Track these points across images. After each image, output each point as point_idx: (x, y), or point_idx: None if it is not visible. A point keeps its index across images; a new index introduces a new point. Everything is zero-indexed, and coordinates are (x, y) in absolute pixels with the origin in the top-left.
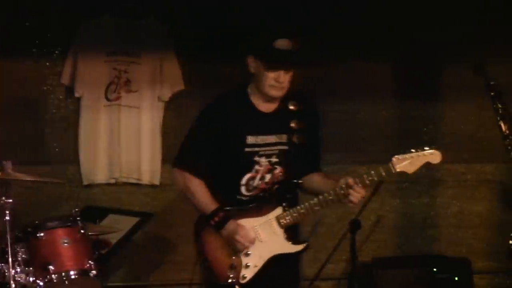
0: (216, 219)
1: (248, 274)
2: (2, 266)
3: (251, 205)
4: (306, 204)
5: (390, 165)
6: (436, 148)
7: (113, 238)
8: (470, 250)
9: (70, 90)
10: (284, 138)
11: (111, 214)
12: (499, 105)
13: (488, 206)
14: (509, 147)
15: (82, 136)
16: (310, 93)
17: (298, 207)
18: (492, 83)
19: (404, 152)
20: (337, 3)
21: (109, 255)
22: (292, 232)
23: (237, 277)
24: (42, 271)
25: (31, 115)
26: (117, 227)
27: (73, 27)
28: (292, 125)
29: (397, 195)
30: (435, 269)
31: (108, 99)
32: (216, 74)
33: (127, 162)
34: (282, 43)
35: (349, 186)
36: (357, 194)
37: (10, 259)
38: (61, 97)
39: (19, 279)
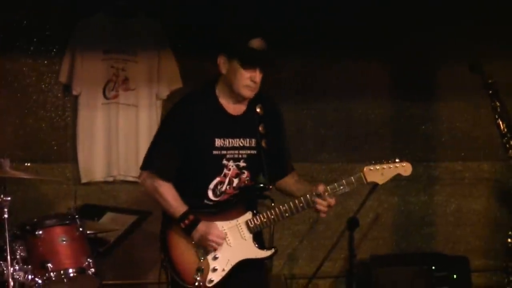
0: (186, 221)
1: (215, 277)
2: (0, 264)
3: (220, 208)
4: (277, 210)
5: (362, 175)
6: (407, 161)
7: (111, 236)
8: (468, 248)
9: (68, 88)
10: (253, 142)
11: (109, 212)
12: (497, 104)
13: (486, 204)
14: (507, 145)
15: (80, 134)
16: (274, 95)
17: (268, 213)
18: (490, 81)
19: (376, 163)
20: (330, 3)
21: (107, 253)
22: (260, 237)
23: (203, 280)
24: (40, 269)
25: (29, 113)
26: (115, 225)
27: (71, 25)
28: (260, 129)
29: (395, 193)
30: (433, 267)
31: (106, 97)
32: (214, 72)
33: (125, 160)
34: (257, 43)
35: (318, 195)
36: (324, 203)
37: (8, 257)
38: (59, 95)
39: (17, 277)
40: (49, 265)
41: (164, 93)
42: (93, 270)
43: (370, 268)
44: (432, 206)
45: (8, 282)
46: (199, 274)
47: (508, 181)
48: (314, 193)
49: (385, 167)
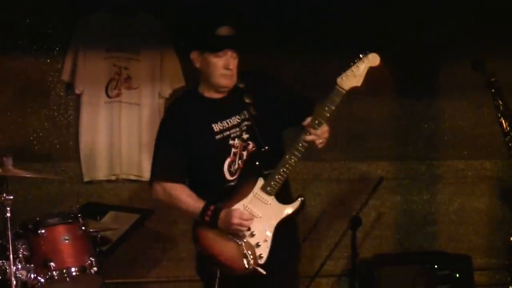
0: (209, 213)
1: (263, 252)
2: (3, 262)
3: (233, 192)
4: (283, 162)
5: (338, 87)
6: (371, 52)
7: (114, 235)
8: (470, 246)
9: (70, 87)
10: (246, 114)
11: (111, 211)
12: (500, 102)
13: (489, 202)
14: (510, 144)
15: (83, 132)
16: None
17: (277, 169)
18: (492, 79)
19: (344, 70)
20: (330, 3)
21: (110, 251)
22: (282, 195)
23: (255, 260)
24: (43, 268)
25: (32, 112)
26: (117, 224)
27: (72, 24)
28: (246, 100)
29: (398, 192)
30: (435, 266)
31: (108, 96)
32: None
33: (128, 159)
34: (223, 30)
35: (311, 126)
36: (317, 133)
37: (11, 256)
38: (61, 93)
39: (20, 276)
40: (52, 264)
41: (167, 91)
42: (95, 268)
43: (373, 267)
44: (435, 204)
45: (10, 281)
46: (247, 258)
47: (510, 180)
48: (308, 129)
49: (354, 69)
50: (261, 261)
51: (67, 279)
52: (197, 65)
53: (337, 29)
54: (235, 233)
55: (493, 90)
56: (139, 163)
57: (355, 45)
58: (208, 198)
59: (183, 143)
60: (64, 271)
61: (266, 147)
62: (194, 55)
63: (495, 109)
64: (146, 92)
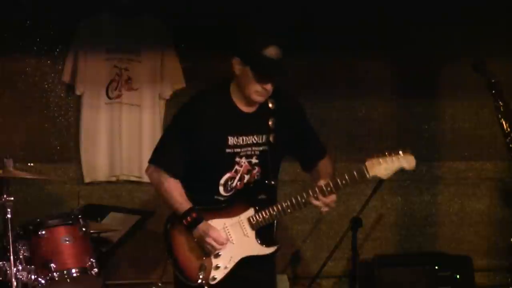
0: (189, 219)
1: (218, 275)
2: (3, 264)
3: (223, 205)
4: (279, 206)
5: (364, 169)
6: (411, 153)
7: (114, 236)
8: (471, 247)
9: (71, 88)
10: (264, 138)
11: (112, 212)
12: (500, 103)
13: (489, 203)
14: (511, 146)
15: (83, 134)
16: (289, 89)
17: (270, 209)
18: (493, 80)
19: (378, 156)
20: (330, 3)
21: (110, 253)
22: (264, 234)
23: (206, 278)
24: (43, 269)
25: (32, 113)
26: (118, 225)
27: (74, 25)
28: (270, 124)
29: (398, 193)
30: (436, 267)
31: (109, 97)
32: (218, 71)
33: (128, 160)
34: (272, 51)
35: (321, 191)
36: (325, 202)
37: (11, 257)
38: (62, 95)
39: (20, 277)
40: (52, 265)
41: (167, 93)
42: (96, 270)
43: (373, 268)
44: (435, 206)
45: (11, 282)
46: (202, 271)
47: (511, 181)
48: (316, 190)
49: (388, 160)
50: (212, 283)
51: (68, 280)
52: (236, 72)
53: (337, 29)
54: (202, 247)
55: (493, 91)
56: (139, 164)
57: (355, 45)
58: (194, 202)
59: (194, 142)
60: (65, 272)
61: (273, 182)
62: (235, 62)
63: (496, 110)
64: (147, 93)
